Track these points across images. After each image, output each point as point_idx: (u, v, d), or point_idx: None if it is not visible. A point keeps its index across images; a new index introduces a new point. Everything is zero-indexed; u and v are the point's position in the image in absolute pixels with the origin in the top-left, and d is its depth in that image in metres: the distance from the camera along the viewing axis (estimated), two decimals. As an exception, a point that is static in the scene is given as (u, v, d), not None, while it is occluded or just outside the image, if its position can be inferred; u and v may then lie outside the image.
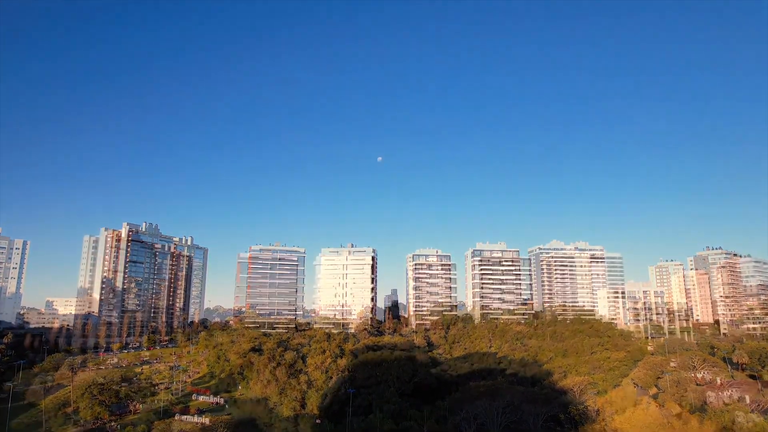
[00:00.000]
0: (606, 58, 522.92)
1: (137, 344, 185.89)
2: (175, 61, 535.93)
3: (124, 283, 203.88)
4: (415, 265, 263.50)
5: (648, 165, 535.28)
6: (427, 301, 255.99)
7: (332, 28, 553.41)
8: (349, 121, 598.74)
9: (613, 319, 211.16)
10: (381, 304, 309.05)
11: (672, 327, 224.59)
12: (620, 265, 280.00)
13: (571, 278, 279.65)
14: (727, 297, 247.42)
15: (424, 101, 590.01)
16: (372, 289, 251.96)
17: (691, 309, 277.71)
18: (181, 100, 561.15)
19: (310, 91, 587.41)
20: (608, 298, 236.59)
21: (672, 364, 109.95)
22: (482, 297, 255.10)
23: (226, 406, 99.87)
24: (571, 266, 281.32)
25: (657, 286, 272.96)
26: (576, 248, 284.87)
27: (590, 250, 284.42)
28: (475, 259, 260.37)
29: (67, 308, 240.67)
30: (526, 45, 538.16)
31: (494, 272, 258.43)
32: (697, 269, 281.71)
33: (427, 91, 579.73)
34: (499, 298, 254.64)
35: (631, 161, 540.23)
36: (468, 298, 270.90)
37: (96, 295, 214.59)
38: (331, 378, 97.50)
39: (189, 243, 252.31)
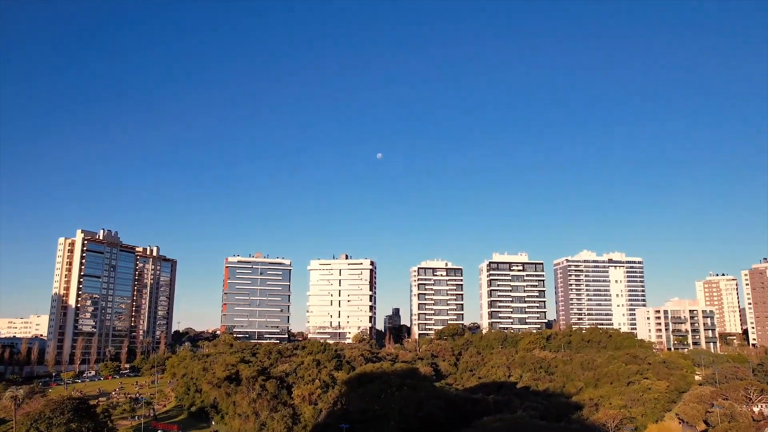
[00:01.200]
0: (653, 55, 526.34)
1: (93, 373, 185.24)
2: (150, 52, 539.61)
3: (77, 302, 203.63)
4: (420, 279, 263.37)
5: (693, 167, 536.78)
6: (435, 322, 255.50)
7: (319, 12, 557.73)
8: (344, 113, 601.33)
9: (653, 342, 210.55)
10: (381, 324, 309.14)
11: (724, 353, 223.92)
12: (661, 280, 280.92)
13: (604, 294, 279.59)
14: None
15: (433, 91, 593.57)
16: (370, 307, 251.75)
17: (747, 332, 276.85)
18: (153, 90, 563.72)
19: (294, 79, 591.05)
20: (648, 318, 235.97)
21: (724, 397, 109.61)
22: (499, 317, 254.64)
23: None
24: (604, 281, 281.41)
25: (706, 305, 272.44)
26: (610, 260, 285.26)
27: (626, 262, 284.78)
28: (490, 272, 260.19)
29: (10, 330, 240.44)
30: (555, 38, 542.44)
31: (513, 288, 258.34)
32: (752, 285, 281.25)
33: (437, 81, 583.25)
34: (519, 318, 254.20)
35: (675, 164, 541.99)
36: (482, 318, 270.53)
37: (44, 316, 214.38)
38: (321, 412, 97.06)
39: (155, 254, 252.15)
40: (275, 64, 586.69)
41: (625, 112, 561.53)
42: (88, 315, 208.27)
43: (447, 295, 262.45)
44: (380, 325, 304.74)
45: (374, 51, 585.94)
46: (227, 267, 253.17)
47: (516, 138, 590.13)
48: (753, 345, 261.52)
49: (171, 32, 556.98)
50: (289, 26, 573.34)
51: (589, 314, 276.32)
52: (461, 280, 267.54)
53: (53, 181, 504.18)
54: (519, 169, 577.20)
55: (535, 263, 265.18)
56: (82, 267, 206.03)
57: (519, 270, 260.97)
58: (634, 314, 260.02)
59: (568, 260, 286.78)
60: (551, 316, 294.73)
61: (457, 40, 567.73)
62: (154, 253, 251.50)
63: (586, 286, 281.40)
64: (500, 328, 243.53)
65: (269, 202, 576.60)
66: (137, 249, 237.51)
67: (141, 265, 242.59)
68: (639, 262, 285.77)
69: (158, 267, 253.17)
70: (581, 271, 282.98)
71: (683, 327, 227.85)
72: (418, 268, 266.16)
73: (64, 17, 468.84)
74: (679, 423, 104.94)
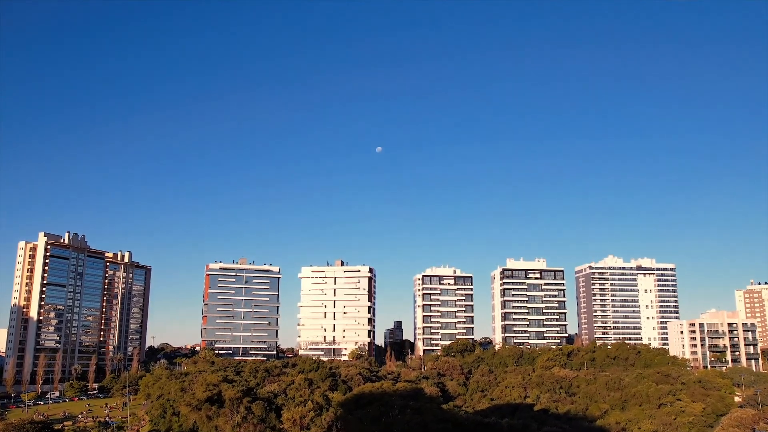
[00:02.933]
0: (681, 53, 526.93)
1: (57, 394, 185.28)
2: (125, 47, 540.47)
3: (40, 314, 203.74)
4: (425, 288, 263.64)
5: (732, 163, 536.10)
6: (441, 337, 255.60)
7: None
8: (338, 100, 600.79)
9: (687, 359, 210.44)
10: (381, 339, 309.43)
11: (767, 371, 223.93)
12: (696, 289, 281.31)
13: (632, 305, 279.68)
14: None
15: (440, 75, 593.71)
16: (369, 320, 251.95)
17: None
18: (125, 86, 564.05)
19: (281, 70, 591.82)
20: (681, 332, 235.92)
21: (767, 421, 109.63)
22: (514, 331, 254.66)
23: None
24: (632, 290, 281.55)
25: (746, 317, 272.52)
26: (638, 267, 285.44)
27: (657, 269, 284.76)
28: (504, 280, 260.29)
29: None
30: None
31: (530, 298, 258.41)
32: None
33: (445, 62, 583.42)
34: (536, 332, 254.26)
35: (711, 159, 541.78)
36: (495, 332, 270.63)
37: (2, 330, 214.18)
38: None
39: (126, 260, 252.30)
40: (259, 58, 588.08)
41: (660, 106, 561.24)
42: (51, 329, 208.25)
43: (455, 306, 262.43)
44: (380, 340, 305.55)
45: (372, 26, 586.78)
46: (208, 275, 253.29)
47: (532, 131, 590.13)
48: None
49: (146, 29, 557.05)
50: (262, 18, 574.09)
51: (615, 328, 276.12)
52: (471, 289, 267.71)
53: (13, 180, 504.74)
54: (536, 166, 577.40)
55: (555, 270, 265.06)
56: (45, 275, 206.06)
57: (536, 278, 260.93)
58: (666, 328, 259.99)
59: (591, 267, 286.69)
60: (572, 329, 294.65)
61: (474, 26, 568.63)
62: (126, 259, 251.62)
63: (612, 296, 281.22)
64: (515, 343, 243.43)
65: (255, 202, 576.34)
66: (107, 254, 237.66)
67: (111, 272, 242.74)
68: (671, 269, 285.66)
69: (130, 275, 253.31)
70: (606, 279, 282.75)
71: (721, 342, 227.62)
72: (423, 276, 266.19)
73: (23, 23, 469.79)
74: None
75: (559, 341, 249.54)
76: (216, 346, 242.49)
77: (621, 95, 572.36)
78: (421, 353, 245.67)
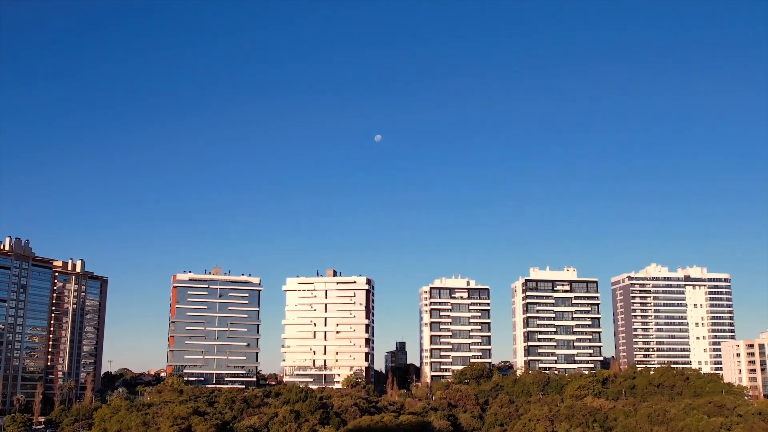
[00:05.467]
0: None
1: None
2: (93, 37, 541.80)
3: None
4: (434, 303, 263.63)
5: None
6: (453, 360, 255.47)
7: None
8: (330, 79, 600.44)
9: (745, 387, 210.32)
10: (380, 364, 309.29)
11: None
12: (755, 304, 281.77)
13: (679, 323, 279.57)
14: None
15: (451, 58, 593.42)
16: (367, 341, 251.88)
17: None
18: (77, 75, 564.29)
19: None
20: (737, 354, 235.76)
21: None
22: (539, 353, 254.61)
23: None
24: (678, 304, 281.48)
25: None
26: (686, 277, 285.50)
27: (709, 280, 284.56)
28: (527, 293, 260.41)
29: None
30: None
31: (558, 315, 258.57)
32: None
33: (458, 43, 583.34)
34: (565, 355, 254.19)
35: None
36: (516, 355, 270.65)
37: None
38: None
39: (78, 269, 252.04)
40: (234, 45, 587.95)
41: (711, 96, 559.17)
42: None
43: (469, 324, 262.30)
44: (380, 365, 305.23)
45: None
46: (175, 287, 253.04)
47: (562, 119, 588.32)
48: None
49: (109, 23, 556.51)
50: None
51: (658, 349, 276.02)
52: (488, 304, 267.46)
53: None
54: (563, 161, 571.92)
55: (587, 281, 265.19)
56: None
57: (565, 290, 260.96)
58: (719, 349, 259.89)
59: (630, 277, 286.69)
60: (608, 351, 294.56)
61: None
62: (78, 269, 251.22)
63: (655, 311, 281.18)
64: (540, 368, 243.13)
65: (231, 202, 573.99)
66: (55, 263, 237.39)
67: (60, 284, 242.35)
68: (725, 280, 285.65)
69: (83, 287, 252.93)
70: (648, 291, 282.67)
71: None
72: (431, 289, 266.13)
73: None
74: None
75: (592, 365, 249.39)
76: (185, 371, 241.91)
77: (672, 85, 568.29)
78: (429, 380, 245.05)
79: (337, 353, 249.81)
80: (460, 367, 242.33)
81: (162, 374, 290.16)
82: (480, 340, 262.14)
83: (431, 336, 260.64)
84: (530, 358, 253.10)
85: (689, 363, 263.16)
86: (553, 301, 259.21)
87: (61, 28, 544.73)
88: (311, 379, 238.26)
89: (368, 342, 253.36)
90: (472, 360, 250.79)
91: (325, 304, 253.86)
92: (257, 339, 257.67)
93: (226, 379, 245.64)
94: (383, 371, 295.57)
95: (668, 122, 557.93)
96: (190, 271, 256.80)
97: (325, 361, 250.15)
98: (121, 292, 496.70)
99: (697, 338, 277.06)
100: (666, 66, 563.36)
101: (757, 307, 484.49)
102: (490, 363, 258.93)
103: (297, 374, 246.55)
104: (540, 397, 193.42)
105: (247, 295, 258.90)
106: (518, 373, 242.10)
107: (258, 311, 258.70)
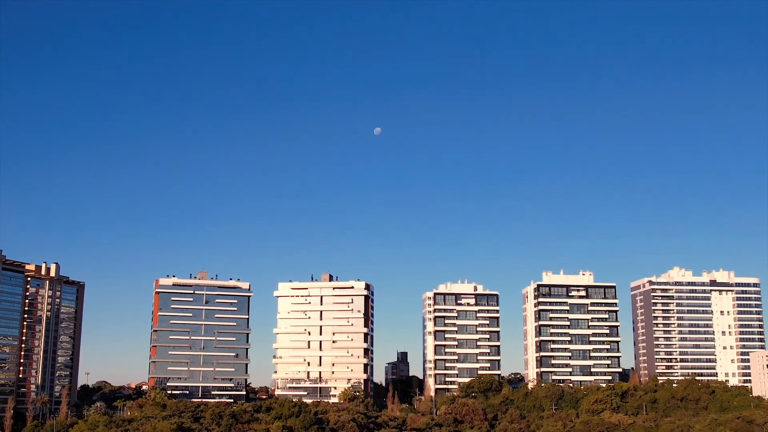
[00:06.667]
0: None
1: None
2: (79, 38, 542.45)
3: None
4: (439, 310, 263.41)
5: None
6: (459, 372, 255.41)
7: None
8: (328, 63, 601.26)
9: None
10: (380, 376, 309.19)
11: None
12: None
13: (704, 331, 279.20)
14: None
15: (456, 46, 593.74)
16: (366, 351, 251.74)
17: None
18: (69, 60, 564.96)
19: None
20: (767, 365, 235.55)
21: None
22: (552, 364, 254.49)
23: None
24: (704, 311, 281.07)
25: None
26: (712, 281, 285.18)
27: (737, 284, 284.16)
28: (540, 299, 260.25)
29: None
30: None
31: (573, 323, 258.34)
32: None
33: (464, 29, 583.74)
34: (581, 367, 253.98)
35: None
36: (528, 366, 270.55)
37: None
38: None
39: (53, 274, 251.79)
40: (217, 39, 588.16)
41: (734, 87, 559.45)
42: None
43: (476, 332, 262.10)
44: (380, 377, 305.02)
45: None
46: (158, 293, 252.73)
47: (576, 113, 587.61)
48: None
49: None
50: None
51: (682, 360, 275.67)
52: (497, 311, 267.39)
53: None
54: (577, 156, 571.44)
55: (604, 287, 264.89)
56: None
57: (581, 296, 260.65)
58: (748, 360, 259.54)
59: (651, 282, 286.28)
60: (627, 362, 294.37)
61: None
62: (53, 273, 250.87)
63: (679, 319, 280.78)
64: (554, 380, 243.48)
65: (217, 200, 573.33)
66: (27, 267, 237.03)
67: (33, 290, 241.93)
68: (755, 285, 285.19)
69: (58, 293, 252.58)
70: (671, 297, 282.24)
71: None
72: (435, 294, 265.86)
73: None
74: None
75: (610, 378, 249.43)
76: (168, 384, 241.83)
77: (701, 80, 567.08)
78: (433, 393, 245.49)
79: (333, 364, 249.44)
80: (466, 380, 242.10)
81: (143, 387, 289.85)
82: (488, 350, 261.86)
83: (435, 346, 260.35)
84: (543, 369, 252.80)
85: (715, 375, 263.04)
86: (567, 307, 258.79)
87: (39, 37, 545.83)
88: (305, 393, 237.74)
89: (367, 352, 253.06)
90: (479, 372, 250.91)
91: (321, 312, 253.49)
92: (247, 349, 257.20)
93: (212, 392, 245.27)
94: (383, 384, 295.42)
95: (689, 117, 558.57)
96: (173, 276, 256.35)
97: (320, 373, 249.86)
98: (99, 299, 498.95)
99: (724, 348, 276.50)
100: (695, 62, 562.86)
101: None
102: (499, 375, 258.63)
103: (290, 387, 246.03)
104: (553, 412, 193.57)
105: (235, 301, 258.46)
106: (530, 385, 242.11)
107: (247, 319, 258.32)
